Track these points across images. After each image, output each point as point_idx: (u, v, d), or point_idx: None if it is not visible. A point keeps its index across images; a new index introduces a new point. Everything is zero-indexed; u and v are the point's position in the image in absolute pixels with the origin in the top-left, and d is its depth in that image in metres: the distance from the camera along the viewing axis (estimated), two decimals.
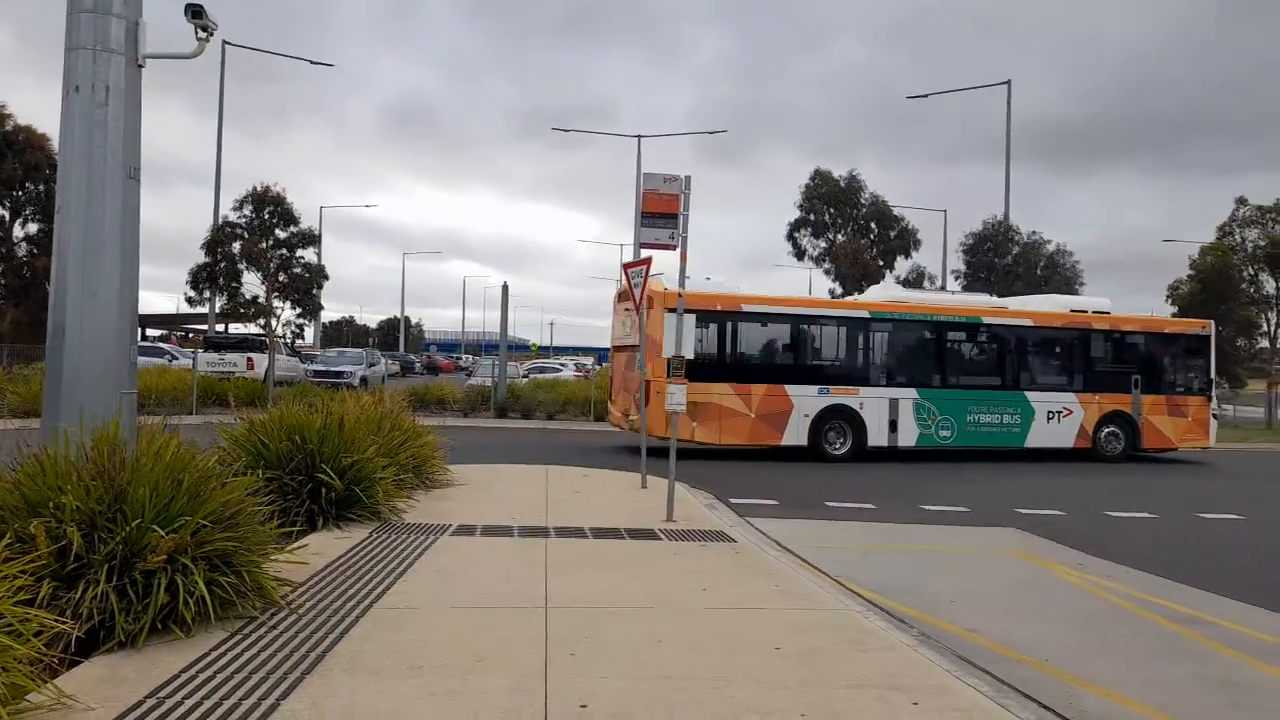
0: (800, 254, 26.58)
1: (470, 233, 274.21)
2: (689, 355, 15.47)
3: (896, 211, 25.88)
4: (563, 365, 44.84)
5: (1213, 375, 19.24)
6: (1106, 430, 18.01)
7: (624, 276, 11.68)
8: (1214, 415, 19.03)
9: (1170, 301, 31.61)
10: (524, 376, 31.88)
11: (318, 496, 7.59)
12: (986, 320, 17.66)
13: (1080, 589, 7.38)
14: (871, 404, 16.60)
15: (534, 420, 22.77)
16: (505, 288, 24.84)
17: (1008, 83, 32.26)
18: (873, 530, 9.71)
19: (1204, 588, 7.48)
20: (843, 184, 25.31)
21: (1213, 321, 19.64)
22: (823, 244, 25.98)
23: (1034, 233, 24.83)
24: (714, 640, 5.06)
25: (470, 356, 77.37)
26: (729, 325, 16.57)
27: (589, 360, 59.29)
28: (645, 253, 11.36)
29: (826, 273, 25.59)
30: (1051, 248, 24.49)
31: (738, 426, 16.09)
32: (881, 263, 25.59)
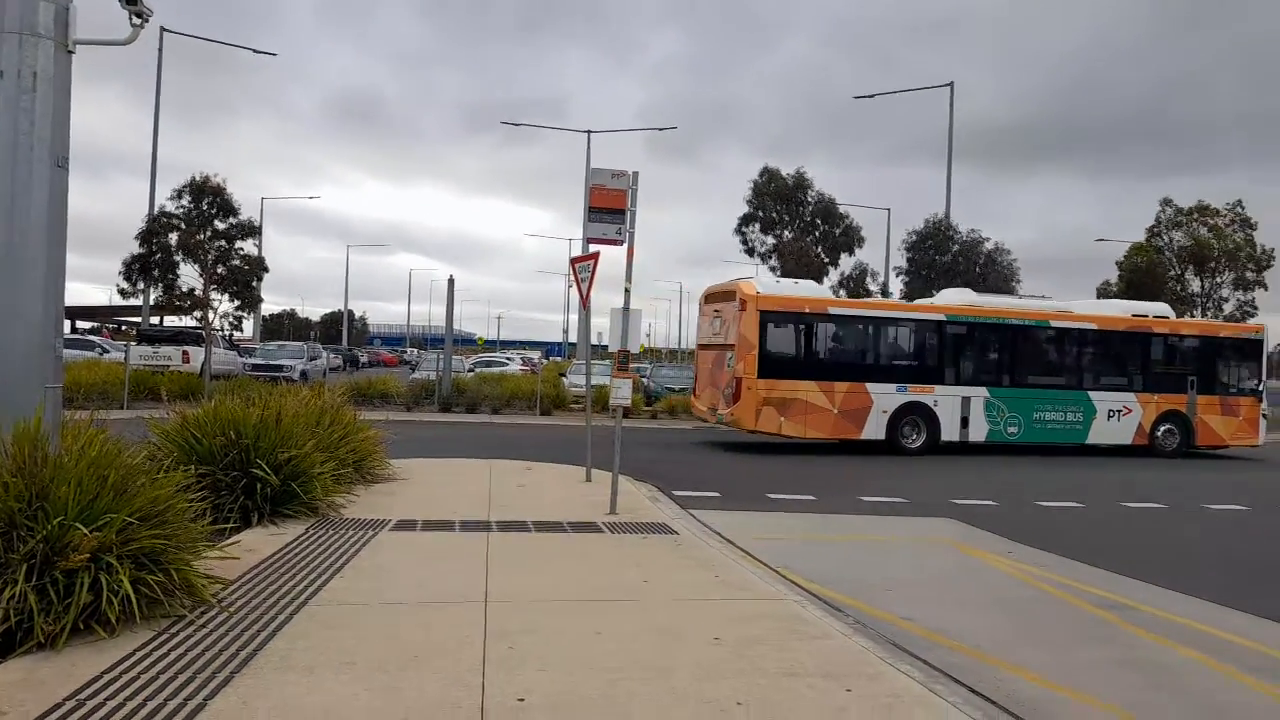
0: (750, 250, 26.82)
1: (417, 226, 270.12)
2: (777, 352, 16.49)
3: (842, 209, 26.27)
4: (509, 359, 44.54)
5: (1263, 376, 19.95)
6: (1163, 428, 18.86)
7: (571, 271, 11.65)
8: (1264, 415, 19.74)
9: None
10: (469, 370, 31.60)
11: (253, 492, 7.44)
12: (1054, 324, 18.45)
13: (1010, 576, 7.59)
14: (945, 401, 17.38)
15: (479, 414, 22.59)
16: (451, 281, 24.61)
17: (950, 85, 32.89)
18: (813, 521, 9.84)
19: (1127, 574, 7.74)
20: (790, 181, 25.57)
21: (1266, 325, 20.47)
22: (771, 240, 26.22)
23: (973, 231, 25.41)
24: (653, 632, 5.09)
25: (415, 350, 76.44)
26: (815, 327, 17.30)
27: (536, 354, 59.01)
28: (593, 248, 11.34)
29: (773, 269, 25.82)
30: (990, 246, 25.10)
31: (821, 421, 16.77)
32: (827, 259, 25.93)
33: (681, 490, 11.27)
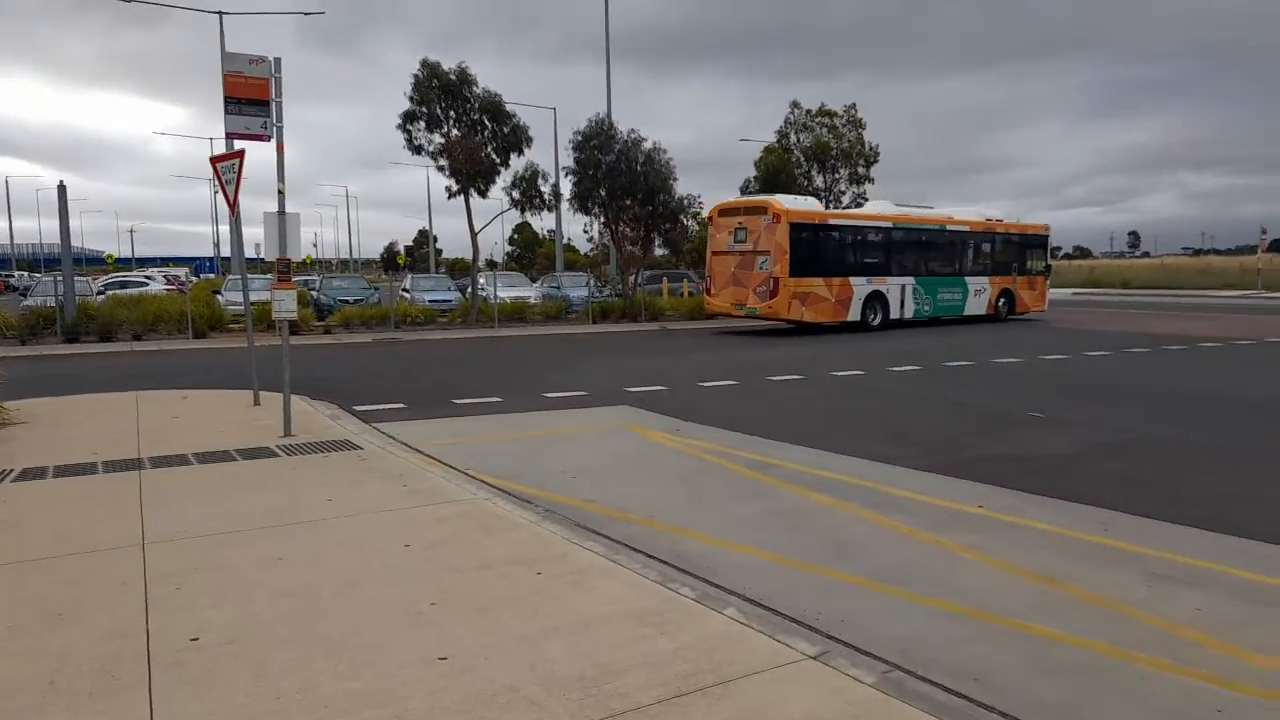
0: (417, 149, 25.57)
1: (13, 124, 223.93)
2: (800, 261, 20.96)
3: (509, 108, 25.87)
4: (150, 278, 39.44)
5: (1049, 261, 27.82)
6: (1001, 301, 25.77)
7: (214, 172, 10.42)
8: (1049, 289, 27.55)
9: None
10: (100, 294, 27.53)
11: None
12: (948, 227, 24.55)
13: (678, 451, 8.34)
14: (892, 289, 22.97)
15: (118, 343, 19.86)
16: (62, 188, 20.94)
17: None
18: (500, 421, 10.03)
19: (772, 438, 8.85)
20: (454, 77, 24.59)
21: (1049, 224, 27.90)
22: (438, 139, 25.24)
23: (632, 130, 26.36)
24: (339, 549, 4.95)
25: (26, 274, 64.85)
26: (820, 234, 21.79)
27: (182, 271, 52.70)
28: (237, 145, 10.20)
29: (441, 169, 24.90)
30: (649, 145, 26.24)
31: (825, 308, 21.74)
32: (497, 159, 25.54)
33: (365, 405, 10.89)
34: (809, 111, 35.60)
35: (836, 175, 35.64)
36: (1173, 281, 51.19)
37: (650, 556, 5.09)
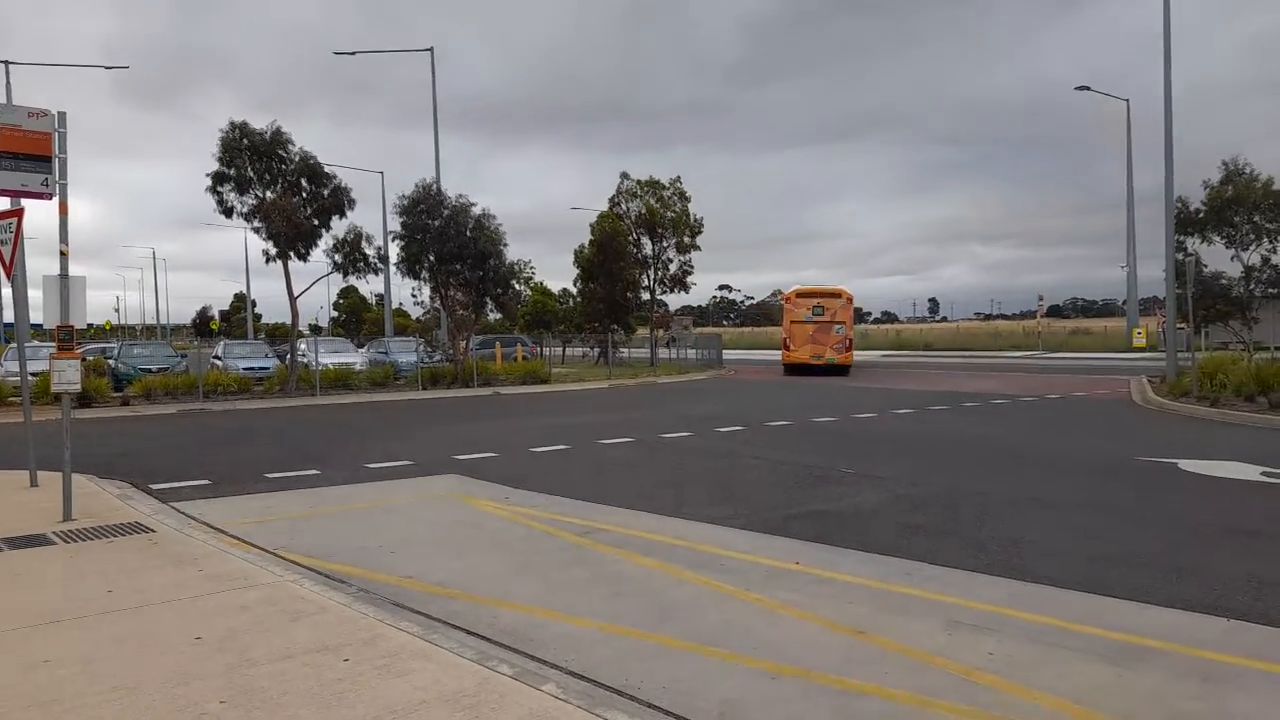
0: (228, 211, 24.21)
1: None
2: None
3: (329, 170, 25.11)
4: None
5: (851, 329, 37.44)
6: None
7: None
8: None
9: (575, 263, 36.20)
10: None
11: None
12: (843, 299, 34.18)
13: (506, 520, 8.15)
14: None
15: None
16: None
17: (430, 50, 33.57)
18: (315, 496, 9.46)
19: (600, 502, 8.82)
20: (266, 137, 23.61)
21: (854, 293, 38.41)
22: (252, 200, 24.04)
23: (461, 196, 26.19)
24: (118, 647, 4.45)
25: None
26: (854, 312, 32.82)
27: None
28: (21, 202, 9.29)
29: (257, 231, 23.75)
30: (478, 211, 26.17)
31: (846, 358, 31.76)
32: (316, 222, 24.60)
33: (163, 482, 10.02)
34: (639, 182, 36.75)
35: (665, 244, 36.82)
36: (968, 344, 56.02)
37: (469, 633, 4.89)
